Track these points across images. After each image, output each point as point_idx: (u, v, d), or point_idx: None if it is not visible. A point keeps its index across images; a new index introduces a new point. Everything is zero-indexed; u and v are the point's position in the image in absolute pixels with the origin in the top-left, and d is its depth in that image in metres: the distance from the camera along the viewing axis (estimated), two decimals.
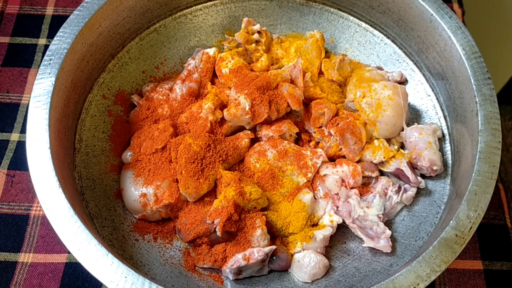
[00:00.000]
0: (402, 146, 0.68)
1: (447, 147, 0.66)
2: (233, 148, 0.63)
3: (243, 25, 0.72)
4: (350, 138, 0.64)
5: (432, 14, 0.65)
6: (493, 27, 1.21)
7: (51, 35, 0.82)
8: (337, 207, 0.61)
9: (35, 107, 0.56)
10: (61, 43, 0.60)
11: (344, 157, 0.66)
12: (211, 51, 0.71)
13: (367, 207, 0.62)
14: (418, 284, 0.49)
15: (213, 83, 0.71)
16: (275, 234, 0.61)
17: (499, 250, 0.67)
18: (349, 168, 0.64)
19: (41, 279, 0.63)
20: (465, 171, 0.58)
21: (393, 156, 0.65)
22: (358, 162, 0.65)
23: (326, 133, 0.66)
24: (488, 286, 0.65)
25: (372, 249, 0.60)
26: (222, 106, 0.66)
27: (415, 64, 0.72)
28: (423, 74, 0.71)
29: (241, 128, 0.66)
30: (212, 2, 0.76)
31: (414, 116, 0.71)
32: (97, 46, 0.65)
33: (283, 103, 0.64)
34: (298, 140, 0.68)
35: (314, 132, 0.67)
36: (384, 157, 0.65)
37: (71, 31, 0.61)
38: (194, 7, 0.75)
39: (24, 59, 0.80)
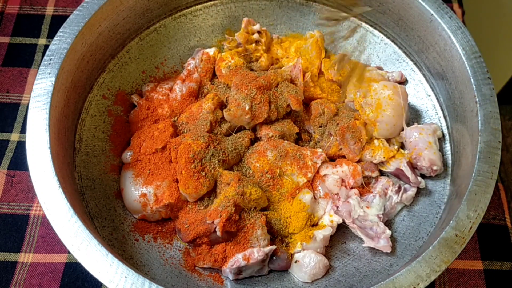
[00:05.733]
0: (402, 146, 0.68)
1: (447, 147, 0.66)
2: (233, 148, 0.63)
3: (243, 25, 0.72)
4: (350, 138, 0.64)
5: (432, 14, 0.65)
6: (493, 27, 1.21)
7: (51, 35, 0.82)
8: (337, 207, 0.61)
9: (35, 107, 0.56)
10: (61, 43, 0.60)
11: (344, 157, 0.66)
12: (211, 51, 0.71)
13: (367, 207, 0.62)
14: (418, 284, 0.49)
15: (213, 83, 0.71)
16: (275, 234, 0.61)
17: (499, 250, 0.67)
18: (349, 168, 0.64)
19: (41, 279, 0.63)
20: (465, 171, 0.58)
21: (393, 156, 0.65)
22: (358, 162, 0.65)
23: (326, 133, 0.66)
24: (488, 286, 0.65)
25: (372, 249, 0.60)
26: (222, 106, 0.66)
27: (415, 64, 0.72)
28: (423, 74, 0.71)
29: (241, 128, 0.66)
30: (212, 2, 0.76)
31: (414, 116, 0.70)
32: (97, 46, 0.65)
33: (283, 103, 0.64)
34: (298, 140, 0.68)
35: (314, 132, 0.67)
36: (384, 157, 0.64)
37: (71, 31, 0.61)
38: (194, 7, 0.75)
39: (24, 59, 0.80)
